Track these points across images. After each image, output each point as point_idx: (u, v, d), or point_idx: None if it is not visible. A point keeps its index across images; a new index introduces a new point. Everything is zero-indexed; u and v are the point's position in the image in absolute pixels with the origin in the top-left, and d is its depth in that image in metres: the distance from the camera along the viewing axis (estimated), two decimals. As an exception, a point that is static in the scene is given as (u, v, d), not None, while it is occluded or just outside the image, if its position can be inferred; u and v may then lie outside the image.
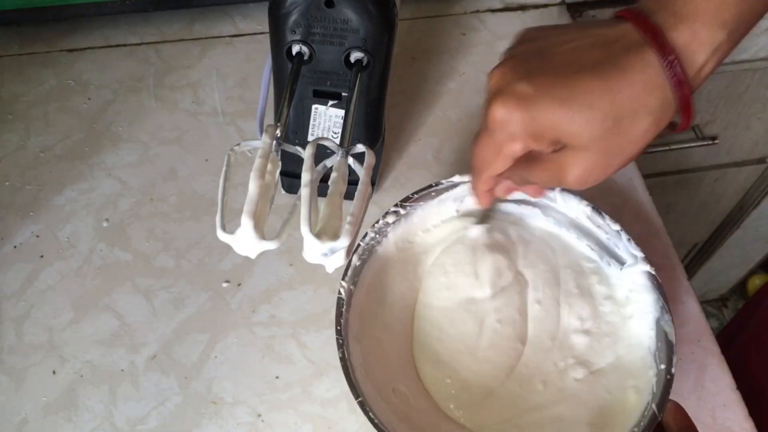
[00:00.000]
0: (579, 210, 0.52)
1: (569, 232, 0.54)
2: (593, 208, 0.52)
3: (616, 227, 0.51)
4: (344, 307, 0.47)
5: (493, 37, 0.71)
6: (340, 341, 0.46)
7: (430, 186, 0.53)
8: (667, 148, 0.89)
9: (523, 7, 0.73)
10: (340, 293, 0.48)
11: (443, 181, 0.53)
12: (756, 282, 1.44)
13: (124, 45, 0.69)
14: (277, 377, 0.52)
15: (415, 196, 0.52)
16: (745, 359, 0.70)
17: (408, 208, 0.52)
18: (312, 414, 0.51)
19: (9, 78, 0.67)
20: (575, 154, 0.38)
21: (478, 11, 0.73)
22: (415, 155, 0.63)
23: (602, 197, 0.60)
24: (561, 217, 0.54)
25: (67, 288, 0.55)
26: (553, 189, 0.52)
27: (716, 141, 0.91)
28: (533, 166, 0.41)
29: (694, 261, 1.28)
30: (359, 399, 0.44)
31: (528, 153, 0.40)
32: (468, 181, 0.52)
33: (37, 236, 0.58)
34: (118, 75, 0.67)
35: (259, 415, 0.51)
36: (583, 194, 0.53)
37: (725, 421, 0.51)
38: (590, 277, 0.52)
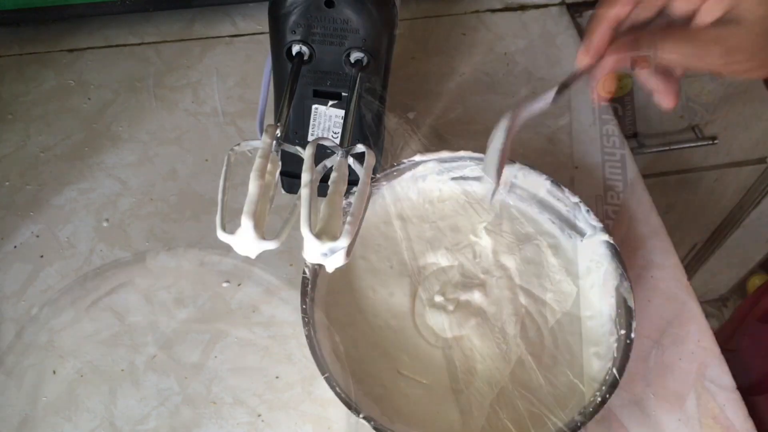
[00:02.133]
0: (539, 184, 0.54)
1: (531, 207, 0.55)
2: (552, 181, 0.53)
3: (575, 199, 0.52)
4: (309, 286, 0.48)
5: (493, 37, 0.71)
6: (306, 320, 0.47)
7: (393, 166, 0.53)
8: (667, 148, 0.89)
9: (523, 7, 0.73)
10: (305, 273, 0.48)
11: (405, 161, 0.53)
12: (756, 282, 1.43)
13: (124, 45, 0.69)
14: (277, 377, 0.52)
15: (378, 176, 0.53)
16: (743, 356, 0.70)
17: (371, 188, 0.52)
18: (312, 414, 0.51)
19: (9, 78, 0.67)
20: (733, 28, 0.41)
21: (478, 11, 0.73)
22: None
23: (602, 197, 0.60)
24: (523, 192, 0.55)
25: (67, 288, 0.55)
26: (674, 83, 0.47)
27: (716, 141, 0.91)
28: (676, 36, 0.42)
29: (694, 261, 1.28)
30: (326, 375, 0.45)
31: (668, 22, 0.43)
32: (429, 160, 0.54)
33: (37, 236, 0.58)
34: (118, 75, 0.67)
35: (259, 415, 0.51)
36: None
37: (725, 421, 0.51)
38: (546, 250, 0.54)
